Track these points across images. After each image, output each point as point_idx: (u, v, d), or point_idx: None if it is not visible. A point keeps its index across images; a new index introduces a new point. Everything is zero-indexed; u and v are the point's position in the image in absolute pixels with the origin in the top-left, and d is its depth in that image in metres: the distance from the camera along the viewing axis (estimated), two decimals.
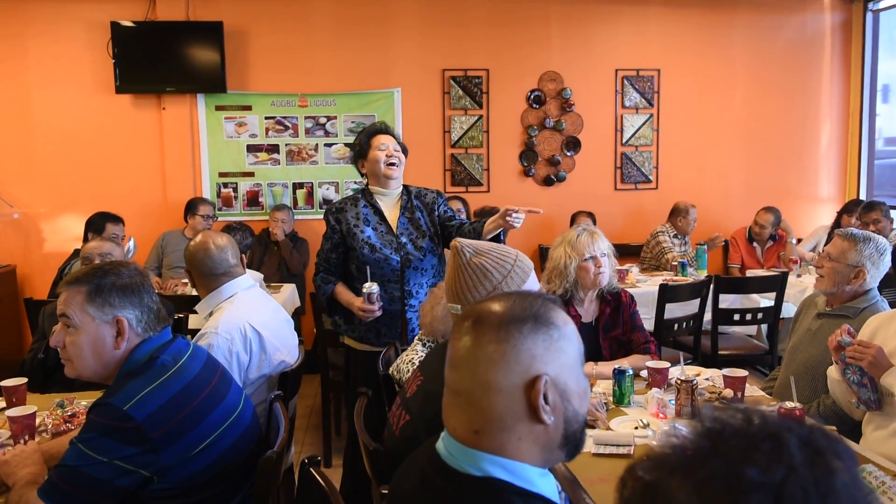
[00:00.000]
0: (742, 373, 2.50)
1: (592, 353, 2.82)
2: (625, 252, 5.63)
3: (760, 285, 4.28)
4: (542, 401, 1.04)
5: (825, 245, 3.01)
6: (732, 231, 5.68)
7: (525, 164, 5.95)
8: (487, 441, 1.06)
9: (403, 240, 2.92)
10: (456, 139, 5.88)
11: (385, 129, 2.98)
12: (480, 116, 5.87)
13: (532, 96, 5.89)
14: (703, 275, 4.67)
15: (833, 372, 2.32)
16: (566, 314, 1.14)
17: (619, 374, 2.41)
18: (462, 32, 5.77)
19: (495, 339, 1.06)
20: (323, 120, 5.69)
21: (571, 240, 2.86)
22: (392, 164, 2.91)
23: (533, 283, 1.73)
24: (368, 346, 2.98)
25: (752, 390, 2.61)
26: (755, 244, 5.48)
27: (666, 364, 2.59)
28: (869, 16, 6.00)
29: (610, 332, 2.90)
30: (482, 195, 5.81)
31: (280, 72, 5.59)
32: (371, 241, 2.90)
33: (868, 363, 2.10)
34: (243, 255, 2.59)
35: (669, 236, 5.27)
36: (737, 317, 4.17)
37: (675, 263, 4.83)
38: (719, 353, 4.16)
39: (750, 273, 5.09)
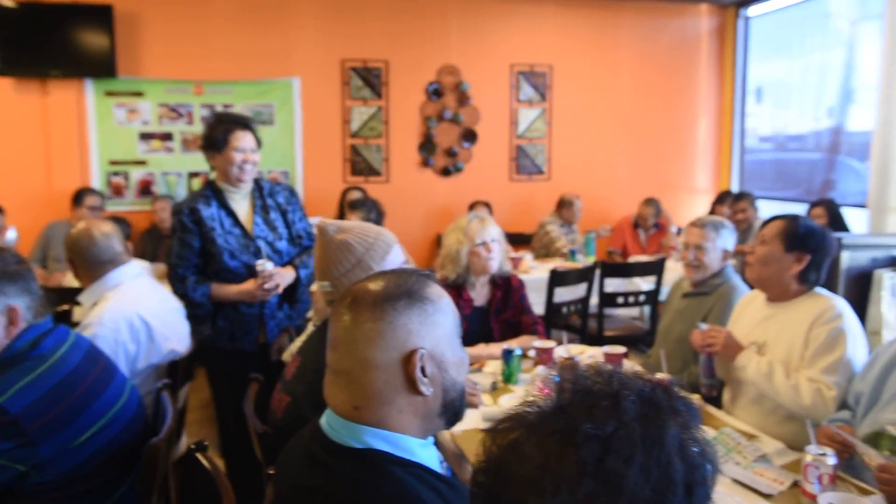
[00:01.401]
0: (621, 349, 2.68)
1: (484, 335, 2.94)
2: (519, 241, 5.84)
3: (642, 270, 4.56)
4: (420, 373, 1.09)
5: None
6: (619, 218, 5.99)
7: (424, 155, 6.06)
8: (368, 415, 1.10)
9: (260, 244, 2.80)
10: (355, 129, 5.90)
11: (244, 124, 2.79)
12: (380, 107, 5.92)
13: (431, 88, 6.00)
14: (591, 261, 4.92)
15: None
16: (441, 289, 1.19)
17: (507, 354, 2.53)
18: (362, 23, 5.79)
19: (371, 317, 1.10)
20: (219, 108, 5.57)
21: (463, 226, 2.95)
22: (246, 171, 2.77)
23: (397, 256, 1.81)
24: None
25: (632, 366, 2.81)
26: (640, 231, 5.81)
27: (552, 343, 2.74)
28: (741, 22, 6.46)
29: (501, 315, 3.02)
30: (382, 185, 5.87)
31: (174, 58, 5.43)
32: (231, 248, 2.75)
33: (721, 346, 2.29)
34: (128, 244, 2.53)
35: (557, 226, 5.52)
36: (621, 300, 4.43)
37: (565, 251, 5.07)
38: (605, 334, 4.41)
39: (633, 259, 5.39)
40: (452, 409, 1.16)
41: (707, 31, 6.54)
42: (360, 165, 5.94)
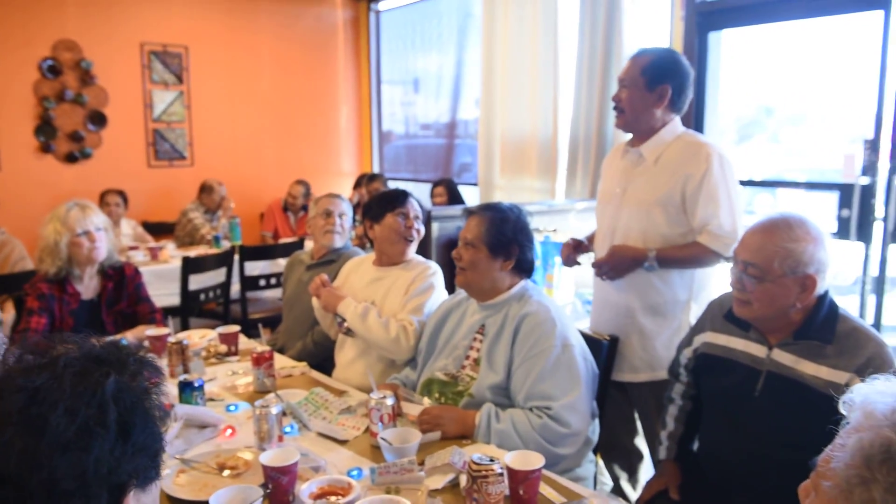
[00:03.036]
0: (235, 328, 2.77)
1: (95, 329, 2.80)
2: (162, 230, 5.59)
3: (283, 251, 4.69)
4: None
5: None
6: (269, 202, 6.06)
7: (43, 140, 5.42)
8: None
9: None
10: None
11: None
12: None
13: (46, 65, 5.37)
14: (235, 246, 4.91)
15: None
16: None
17: None
18: None
19: None
20: None
21: (61, 216, 2.79)
22: None
23: None
24: None
25: (262, 342, 2.89)
26: (289, 213, 5.96)
27: (166, 331, 2.72)
28: (373, 15, 6.93)
29: (114, 307, 2.91)
30: None
31: None
32: None
33: (323, 303, 2.61)
34: None
35: (200, 213, 5.40)
36: (262, 282, 4.51)
37: (210, 238, 4.99)
38: (250, 316, 4.44)
39: (284, 241, 5.52)
40: None
41: (342, 22, 6.88)
42: None
